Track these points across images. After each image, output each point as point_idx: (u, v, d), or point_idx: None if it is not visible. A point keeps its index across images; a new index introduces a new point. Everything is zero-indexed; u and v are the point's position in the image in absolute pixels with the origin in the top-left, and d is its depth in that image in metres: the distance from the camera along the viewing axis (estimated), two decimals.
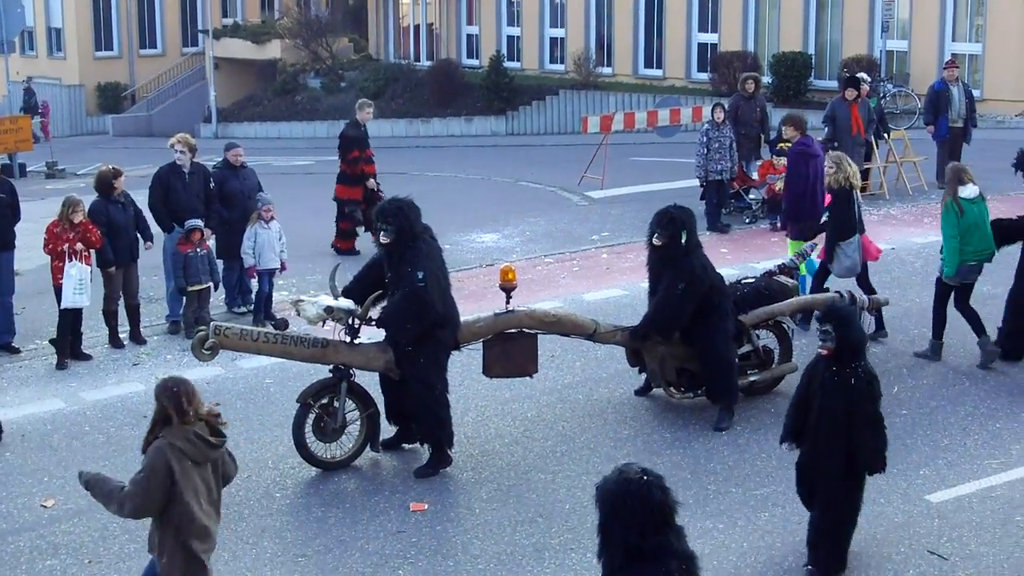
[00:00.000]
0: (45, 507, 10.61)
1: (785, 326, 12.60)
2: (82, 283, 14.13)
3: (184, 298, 15.05)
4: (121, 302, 14.91)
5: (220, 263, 15.56)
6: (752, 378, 12.35)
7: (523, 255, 18.48)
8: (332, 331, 11.16)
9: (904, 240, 18.20)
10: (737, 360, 12.12)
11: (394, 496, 10.58)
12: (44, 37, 50.42)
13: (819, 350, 8.99)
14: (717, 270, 12.15)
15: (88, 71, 48.81)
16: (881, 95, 27.78)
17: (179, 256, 14.93)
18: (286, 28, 46.02)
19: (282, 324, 14.57)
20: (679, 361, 11.98)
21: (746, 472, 10.76)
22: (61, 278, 14.12)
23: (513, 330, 11.54)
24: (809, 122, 18.73)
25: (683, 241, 11.59)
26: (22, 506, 10.64)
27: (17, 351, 14.75)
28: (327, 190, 19.74)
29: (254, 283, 15.64)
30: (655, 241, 11.72)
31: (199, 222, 15.06)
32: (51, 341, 14.56)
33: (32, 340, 15.08)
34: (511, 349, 11.56)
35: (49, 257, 14.36)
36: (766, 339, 12.55)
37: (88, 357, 14.37)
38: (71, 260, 14.07)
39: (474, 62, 41.77)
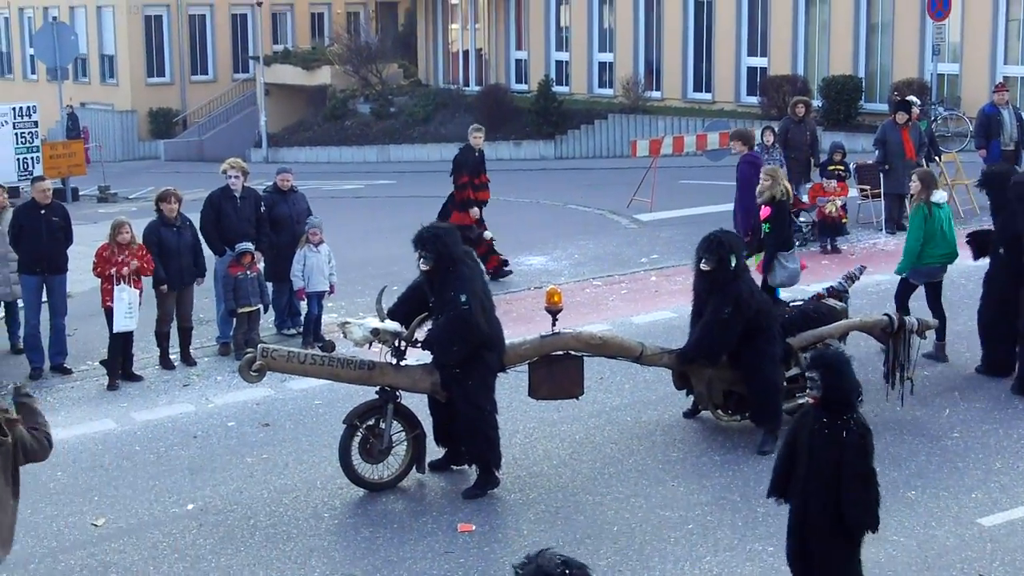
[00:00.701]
0: (96, 526, 10.69)
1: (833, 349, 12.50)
2: (131, 307, 14.25)
3: (234, 320, 15.16)
4: (174, 324, 15.04)
5: (270, 286, 15.66)
6: (800, 401, 12.25)
7: (571, 278, 18.48)
8: (379, 353, 11.20)
9: (956, 263, 17.99)
10: (785, 383, 12.06)
11: (442, 517, 10.58)
12: (97, 64, 51.00)
13: (806, 398, 8.52)
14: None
15: (140, 97, 49.30)
16: (932, 118, 27.59)
17: (229, 279, 15.04)
18: (336, 54, 46.30)
19: (329, 346, 14.75)
20: (726, 384, 11.94)
21: None
22: (110, 301, 14.26)
23: (559, 352, 11.54)
24: (860, 145, 18.69)
25: (731, 266, 11.57)
26: (72, 524, 10.72)
27: (69, 372, 14.90)
28: (376, 213, 19.85)
29: (303, 305, 15.72)
30: (703, 266, 11.69)
31: (250, 245, 15.17)
32: (102, 362, 14.70)
33: (84, 361, 15.23)
34: (557, 371, 11.55)
35: (99, 280, 14.51)
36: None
37: (139, 378, 14.50)
38: (120, 284, 14.20)
39: (523, 87, 41.84)
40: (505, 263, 18.53)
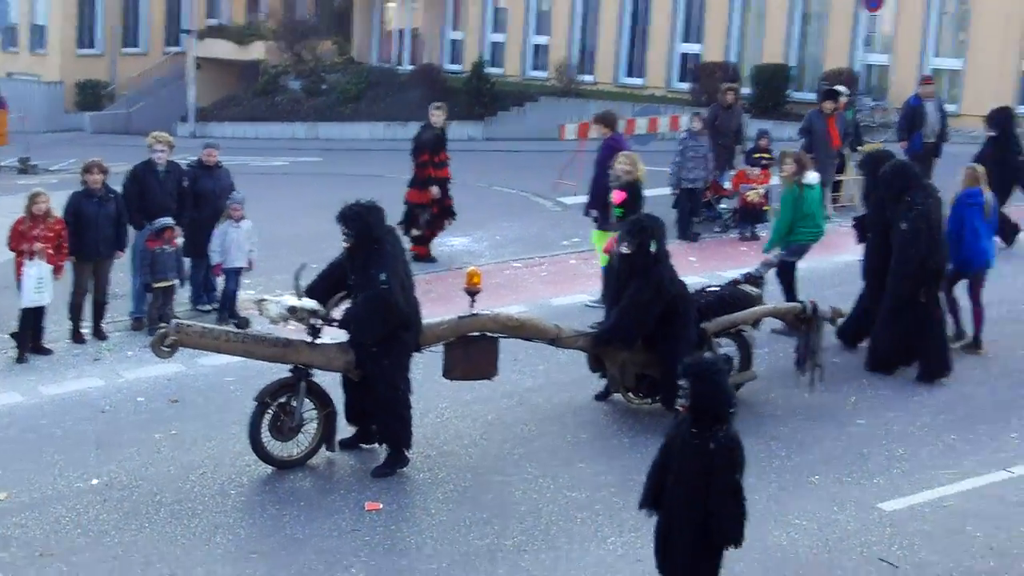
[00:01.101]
0: None
1: (746, 335, 12.59)
2: (41, 281, 14.06)
3: (149, 295, 15.01)
4: (89, 297, 14.87)
5: (188, 261, 15.52)
6: None
7: (492, 259, 18.49)
8: (294, 331, 11.12)
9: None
10: None
11: (349, 495, 10.55)
12: (27, 33, 50.30)
13: (678, 406, 8.18)
14: (682, 278, 12.16)
15: (69, 68, 48.67)
16: (858, 108, 27.82)
17: (147, 253, 14.89)
18: (270, 30, 45.98)
19: (244, 323, 14.64)
20: (640, 367, 11.98)
21: None
22: (23, 274, 14.07)
23: (476, 333, 11.52)
24: (788, 133, 18.75)
25: (651, 250, 11.58)
26: None
27: None
28: (303, 190, 19.72)
29: (220, 281, 15.59)
30: (623, 249, 11.72)
31: (171, 220, 15.03)
32: (12, 335, 14.50)
33: None
34: (473, 352, 11.55)
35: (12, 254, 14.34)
36: (727, 347, 12.54)
37: (48, 351, 14.32)
38: (31, 259, 14.02)
39: (457, 67, 41.77)
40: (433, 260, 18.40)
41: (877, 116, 30.37)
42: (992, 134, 18.64)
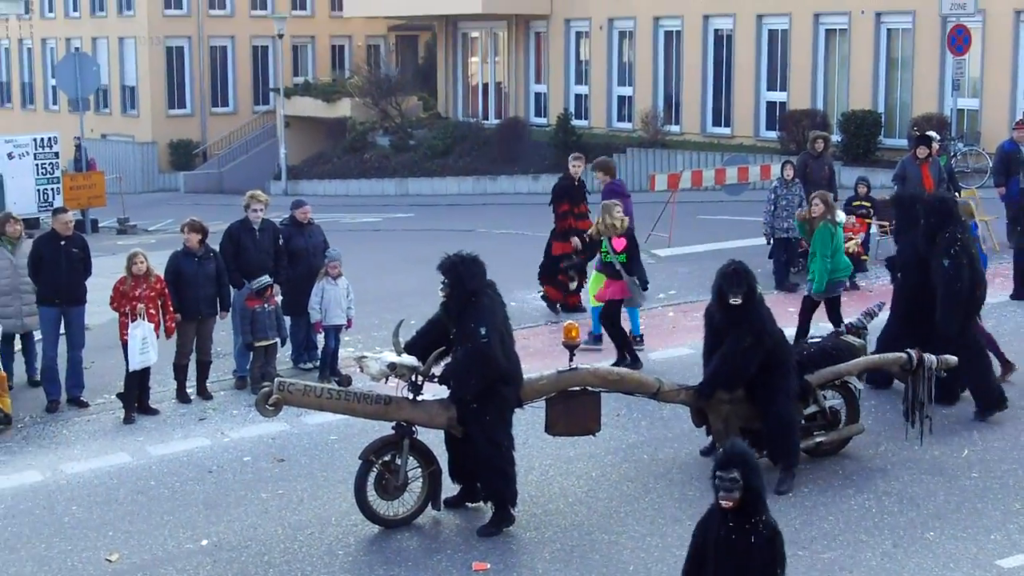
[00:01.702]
0: (110, 561, 10.64)
1: (852, 387, 12.44)
2: (145, 342, 14.25)
3: (251, 354, 15.15)
4: (193, 357, 15.04)
5: (287, 319, 15.65)
6: (818, 439, 12.18)
7: (588, 314, 18.40)
8: (395, 388, 11.17)
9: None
10: (803, 421, 11.99)
11: (456, 555, 10.51)
12: (118, 95, 51.32)
13: (721, 502, 7.47)
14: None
15: (160, 128, 49.60)
16: (951, 154, 27.55)
17: (247, 312, 15.03)
18: (356, 86, 46.51)
19: (346, 380, 14.73)
20: (744, 420, 11.85)
21: (813, 535, 10.59)
22: (127, 334, 14.27)
23: (576, 388, 11.49)
24: (880, 181, 18.53)
25: (758, 294, 11.57)
26: (87, 560, 10.68)
27: (86, 405, 14.90)
28: (395, 245, 19.83)
29: (320, 339, 15.70)
30: (732, 300, 11.57)
31: (270, 279, 15.14)
32: (119, 395, 14.69)
33: (100, 394, 15.23)
34: (574, 407, 11.49)
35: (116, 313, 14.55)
36: (833, 400, 12.39)
37: (155, 412, 14.49)
38: (135, 320, 14.21)
39: (542, 120, 41.97)
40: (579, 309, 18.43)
41: (971, 161, 30.04)
42: None
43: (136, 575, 10.36)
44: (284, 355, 15.92)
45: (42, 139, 29.23)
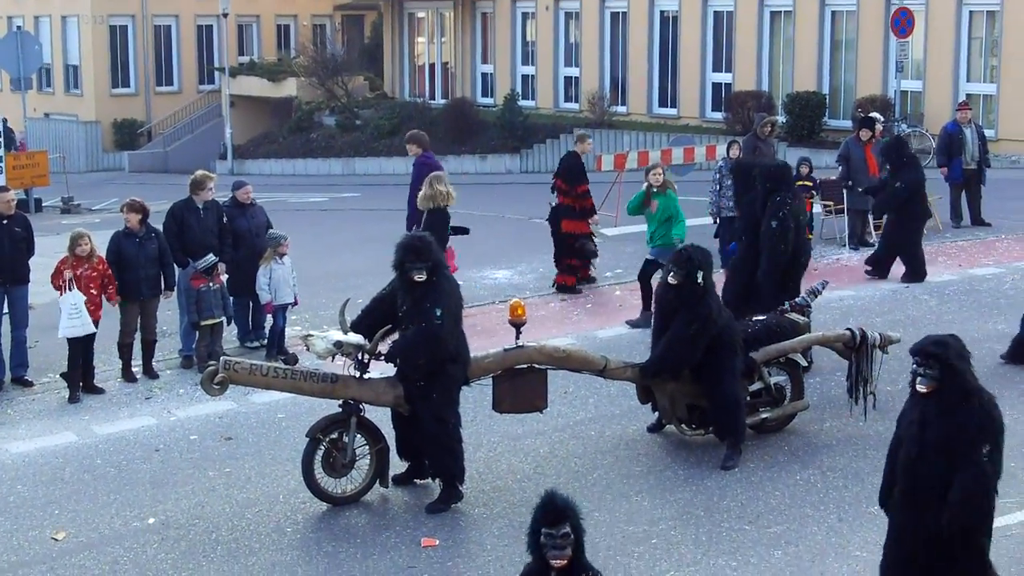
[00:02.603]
0: (56, 540, 10.58)
1: (796, 363, 12.54)
2: (76, 307, 14.12)
3: (197, 333, 15.08)
4: (138, 336, 14.95)
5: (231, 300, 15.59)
6: (764, 415, 12.30)
7: (536, 292, 18.47)
8: (342, 366, 11.16)
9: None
10: (748, 398, 12.09)
11: (405, 531, 10.53)
12: (61, 74, 50.79)
13: (552, 562, 6.89)
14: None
15: (105, 108, 49.14)
16: (895, 134, 27.77)
17: (192, 291, 14.95)
18: (301, 66, 46.27)
19: (292, 359, 14.69)
20: (690, 398, 11.94)
21: (759, 509, 10.69)
22: None
23: (523, 366, 11.53)
24: (824, 161, 18.69)
25: (699, 281, 11.59)
26: (32, 539, 10.62)
27: (30, 384, 14.78)
28: (342, 225, 19.77)
29: (269, 318, 15.65)
30: (671, 280, 11.68)
31: (215, 258, 15.08)
32: (63, 375, 14.59)
33: (45, 374, 15.11)
34: (520, 384, 11.53)
35: (57, 292, 14.45)
36: (778, 376, 12.51)
37: (101, 391, 14.40)
38: (68, 290, 14.12)
39: (488, 100, 41.94)
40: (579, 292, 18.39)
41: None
42: None
43: (83, 553, 10.31)
44: (231, 335, 15.86)
45: None
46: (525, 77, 41.49)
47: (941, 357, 7.91)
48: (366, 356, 10.97)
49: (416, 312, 10.71)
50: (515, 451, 12.19)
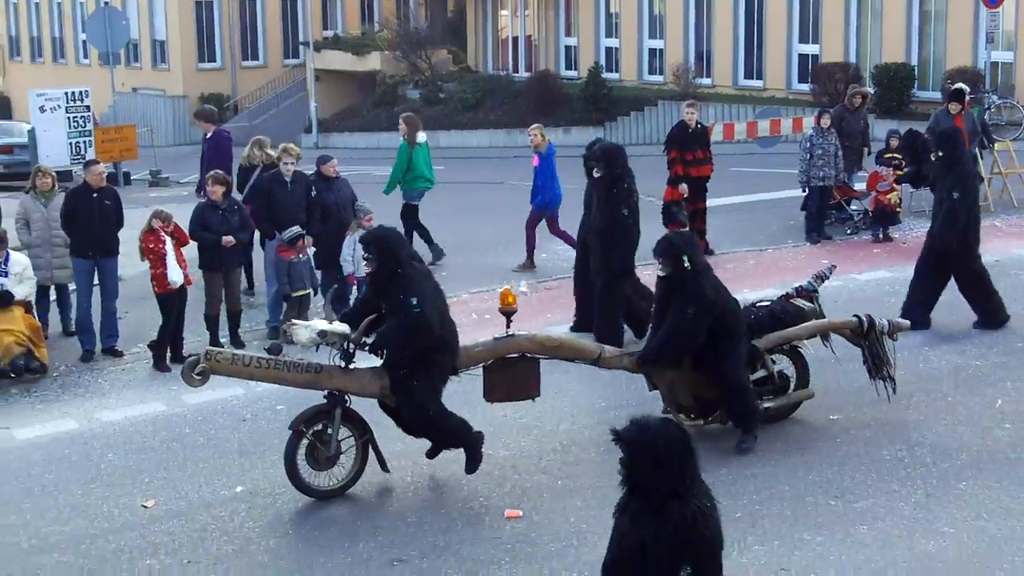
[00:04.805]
0: (146, 507, 10.76)
1: (801, 351, 12.20)
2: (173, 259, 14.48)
3: (285, 304, 15.20)
4: (223, 307, 15.11)
5: (318, 272, 15.70)
6: (767, 404, 11.87)
7: None
8: (328, 356, 10.95)
9: (1009, 252, 17.86)
10: (752, 386, 11.69)
11: (490, 502, 10.54)
12: (149, 49, 51.33)
13: None
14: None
15: (191, 82, 49.58)
16: (985, 106, 27.33)
17: (283, 263, 15.07)
18: (385, 40, 46.37)
19: (276, 349, 14.53)
20: (692, 388, 11.59)
21: (845, 485, 10.57)
22: (158, 287, 14.48)
23: (514, 355, 11.34)
24: None
25: (686, 265, 11.25)
26: (123, 506, 10.81)
27: (121, 354, 15.03)
28: (425, 198, 19.83)
29: (354, 290, 15.72)
30: (660, 272, 11.40)
31: (301, 229, 15.19)
32: (150, 345, 14.79)
33: (135, 344, 15.34)
34: (512, 373, 11.27)
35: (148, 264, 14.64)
36: (782, 364, 12.16)
37: None
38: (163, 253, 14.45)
39: (572, 73, 41.78)
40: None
41: (1005, 114, 29.80)
42: None
43: (172, 521, 10.47)
44: (316, 306, 15.96)
45: (73, 92, 29.16)
46: (609, 50, 41.25)
47: None
48: (352, 346, 10.74)
49: (391, 307, 10.58)
50: (599, 424, 12.12)
